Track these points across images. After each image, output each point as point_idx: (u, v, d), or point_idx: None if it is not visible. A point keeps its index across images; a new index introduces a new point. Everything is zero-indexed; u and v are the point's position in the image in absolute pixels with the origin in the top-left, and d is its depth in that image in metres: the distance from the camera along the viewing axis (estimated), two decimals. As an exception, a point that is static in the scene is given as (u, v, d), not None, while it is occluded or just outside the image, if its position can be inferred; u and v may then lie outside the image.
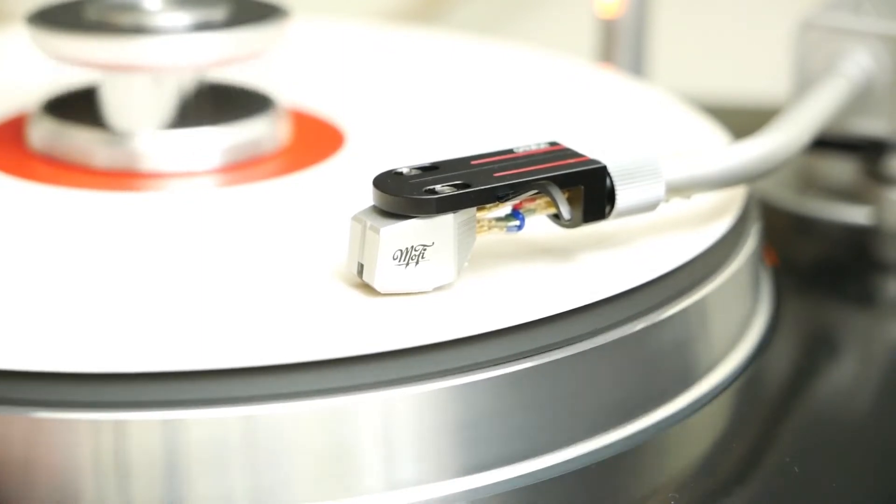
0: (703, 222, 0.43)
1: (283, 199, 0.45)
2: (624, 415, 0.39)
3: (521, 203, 0.38)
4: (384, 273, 0.37)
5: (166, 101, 0.46)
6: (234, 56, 0.47)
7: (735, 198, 0.45)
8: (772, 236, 0.50)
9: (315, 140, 0.49)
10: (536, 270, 0.39)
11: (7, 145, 0.48)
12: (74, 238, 0.41)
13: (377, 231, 0.37)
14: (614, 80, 0.59)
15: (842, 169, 0.54)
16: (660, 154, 0.40)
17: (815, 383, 0.45)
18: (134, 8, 0.47)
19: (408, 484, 0.36)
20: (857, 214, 0.53)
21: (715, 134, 0.50)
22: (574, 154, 0.39)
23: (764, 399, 0.43)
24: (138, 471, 0.34)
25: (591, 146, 0.40)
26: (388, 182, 0.37)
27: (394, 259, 0.37)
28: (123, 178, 0.45)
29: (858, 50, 0.52)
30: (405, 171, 0.38)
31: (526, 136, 0.41)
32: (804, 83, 0.52)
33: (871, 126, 0.52)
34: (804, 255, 0.53)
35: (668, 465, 0.40)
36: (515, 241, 0.40)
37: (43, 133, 0.47)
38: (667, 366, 0.41)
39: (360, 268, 0.37)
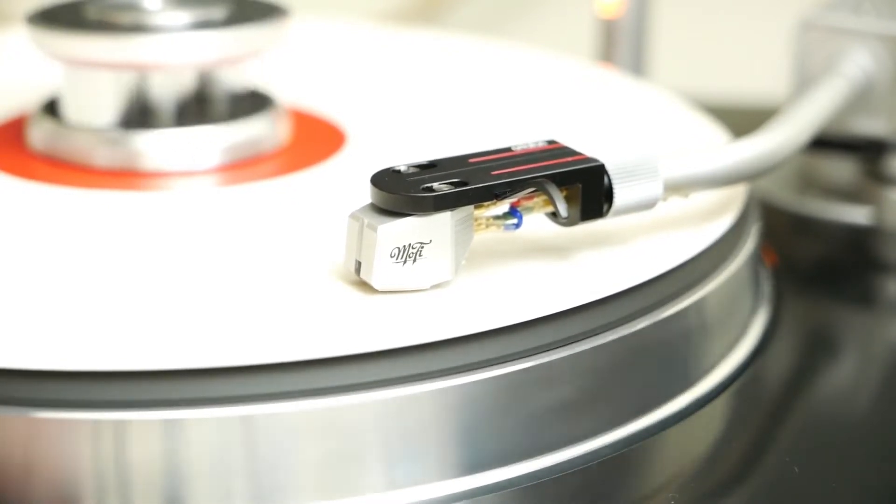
0: (703, 222, 0.43)
1: (283, 199, 0.45)
2: (624, 414, 0.39)
3: (518, 201, 0.38)
4: (382, 271, 0.37)
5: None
6: (234, 55, 0.47)
7: (735, 197, 0.45)
8: (772, 236, 0.50)
9: (315, 139, 0.49)
10: (535, 269, 0.39)
11: (7, 145, 0.48)
12: (74, 238, 0.41)
13: (375, 229, 0.37)
14: (614, 80, 0.58)
15: (842, 169, 0.54)
16: (658, 152, 0.40)
17: (815, 383, 0.45)
18: (134, 7, 0.47)
19: (408, 484, 0.36)
20: (857, 214, 0.53)
21: (715, 133, 0.50)
22: (572, 152, 0.39)
23: (764, 399, 0.43)
24: (138, 471, 0.34)
25: (589, 145, 0.40)
26: (385, 180, 0.37)
27: (391, 257, 0.37)
28: (123, 177, 0.45)
29: (858, 50, 0.52)
30: (403, 168, 0.38)
31: (526, 136, 0.41)
32: (804, 83, 0.52)
33: (870, 126, 0.52)
34: (804, 255, 0.53)
35: (668, 465, 0.40)
36: (513, 239, 0.40)
37: (43, 133, 0.47)
38: (667, 366, 0.41)
39: (358, 265, 0.37)
